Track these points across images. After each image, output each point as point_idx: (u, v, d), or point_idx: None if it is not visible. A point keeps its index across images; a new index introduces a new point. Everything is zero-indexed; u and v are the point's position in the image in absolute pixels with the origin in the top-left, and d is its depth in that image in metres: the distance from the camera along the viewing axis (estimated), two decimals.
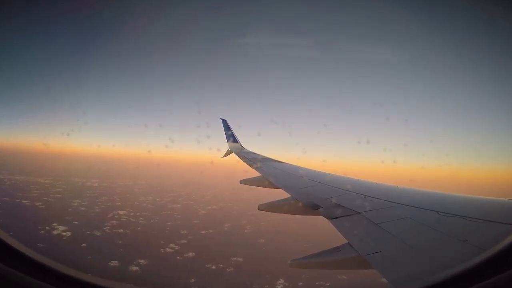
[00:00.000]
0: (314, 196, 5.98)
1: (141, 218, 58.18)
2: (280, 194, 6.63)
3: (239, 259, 46.46)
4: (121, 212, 59.60)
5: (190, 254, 46.53)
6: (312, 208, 5.36)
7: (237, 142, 13.26)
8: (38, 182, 74.29)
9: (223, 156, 13.15)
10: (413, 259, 3.20)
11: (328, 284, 39.85)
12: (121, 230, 51.41)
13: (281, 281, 41.08)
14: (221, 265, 44.17)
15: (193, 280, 38.61)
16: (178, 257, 45.14)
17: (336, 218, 4.62)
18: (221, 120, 14.09)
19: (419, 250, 3.34)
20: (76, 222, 50.51)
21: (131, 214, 59.71)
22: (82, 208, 58.87)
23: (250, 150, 12.83)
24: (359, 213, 4.61)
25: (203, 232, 56.50)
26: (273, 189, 7.76)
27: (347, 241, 3.83)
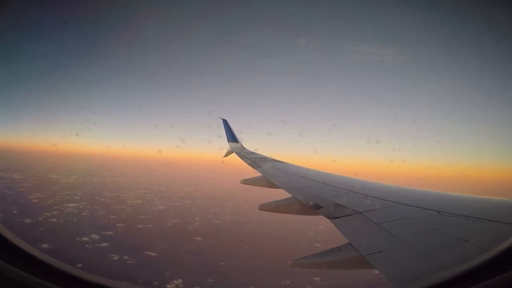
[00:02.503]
0: (315, 196, 6.02)
1: (86, 211, 59.90)
2: (280, 194, 6.68)
3: (152, 253, 45.65)
4: (71, 205, 61.55)
5: (103, 244, 47.48)
6: (313, 208, 5.42)
7: (238, 142, 13.38)
8: (11, 177, 78.56)
9: (224, 156, 13.33)
10: (415, 259, 3.22)
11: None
12: (54, 220, 53.47)
13: (179, 281, 39.51)
14: (126, 257, 44.34)
15: (80, 265, 39.28)
16: (87, 246, 46.04)
17: (337, 218, 4.64)
18: (221, 120, 14.30)
19: (420, 250, 3.35)
20: (15, 211, 53.34)
21: (80, 207, 61.43)
22: (35, 200, 61.56)
23: (252, 150, 12.83)
24: (360, 212, 4.62)
25: (139, 226, 57.12)
26: (270, 189, 7.85)
27: (348, 241, 3.86)
